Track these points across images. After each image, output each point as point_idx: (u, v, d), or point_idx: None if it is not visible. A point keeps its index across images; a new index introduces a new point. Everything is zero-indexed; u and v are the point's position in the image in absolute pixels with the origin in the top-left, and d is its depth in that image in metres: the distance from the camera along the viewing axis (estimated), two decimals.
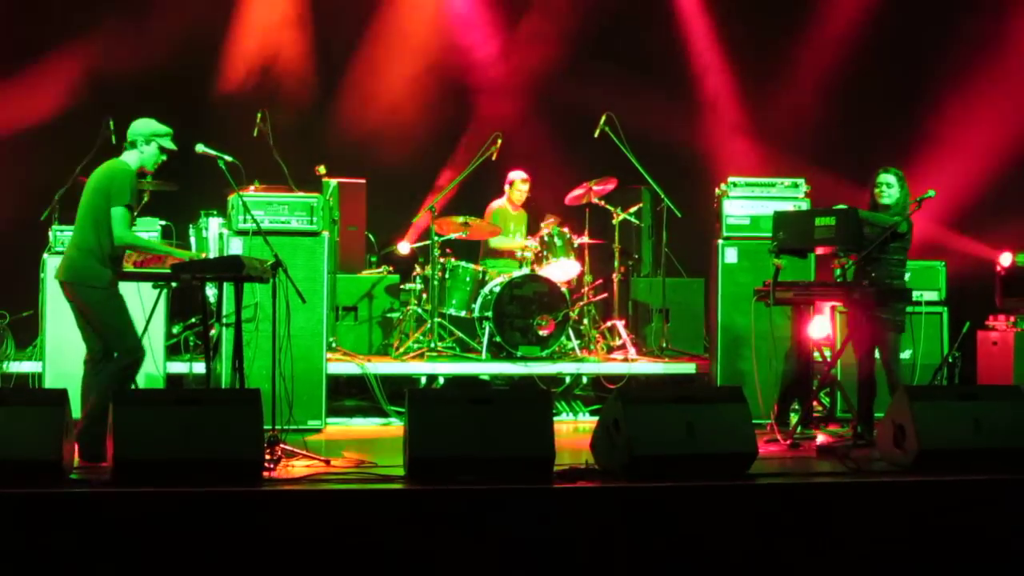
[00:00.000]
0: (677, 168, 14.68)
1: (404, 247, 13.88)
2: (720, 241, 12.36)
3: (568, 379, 13.18)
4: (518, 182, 14.06)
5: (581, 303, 13.42)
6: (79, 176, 9.91)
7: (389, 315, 13.66)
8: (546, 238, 13.38)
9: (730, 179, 12.43)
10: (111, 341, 9.30)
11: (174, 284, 10.37)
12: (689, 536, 8.10)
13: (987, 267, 13.27)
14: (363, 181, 14.60)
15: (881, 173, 10.86)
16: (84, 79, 13.91)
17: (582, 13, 15.72)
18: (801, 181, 12.45)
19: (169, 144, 9.43)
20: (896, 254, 10.75)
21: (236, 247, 11.15)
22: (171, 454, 8.16)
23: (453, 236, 13.39)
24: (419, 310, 13.25)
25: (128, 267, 9.49)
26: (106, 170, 9.33)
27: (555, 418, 9.08)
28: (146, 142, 9.36)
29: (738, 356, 12.12)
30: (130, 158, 9.38)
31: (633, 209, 13.96)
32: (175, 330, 12.36)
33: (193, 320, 12.48)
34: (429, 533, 7.89)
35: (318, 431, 11.18)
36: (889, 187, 10.81)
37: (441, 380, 12.75)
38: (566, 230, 13.49)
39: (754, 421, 9.20)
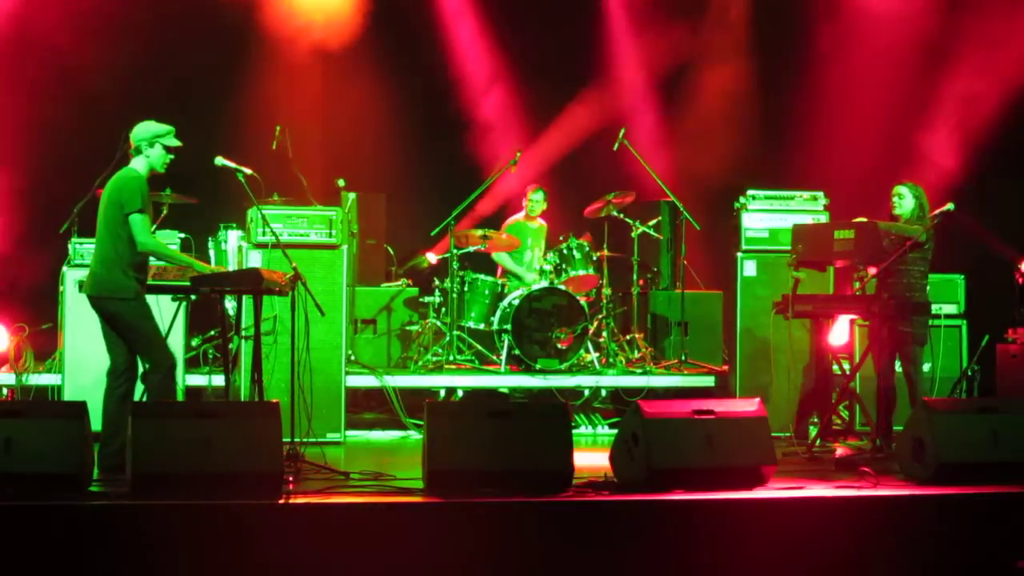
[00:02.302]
0: (696, 181, 14.69)
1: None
2: (739, 254, 12.35)
3: (587, 392, 13.17)
4: (531, 193, 14.09)
5: (600, 316, 13.41)
6: (97, 189, 9.93)
7: (408, 328, 13.67)
8: (565, 251, 13.38)
9: (749, 192, 12.42)
10: (142, 351, 9.34)
11: (193, 297, 10.40)
12: (708, 548, 8.09)
13: (1006, 277, 13.24)
14: (382, 195, 14.66)
15: (896, 186, 10.93)
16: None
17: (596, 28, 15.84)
18: (820, 194, 12.44)
19: (173, 142, 9.41)
20: (917, 265, 10.74)
21: (255, 260, 11.18)
22: (190, 467, 8.17)
23: (472, 249, 13.42)
24: (438, 323, 13.26)
25: (148, 279, 9.52)
26: (115, 181, 9.36)
27: (574, 431, 9.07)
28: (150, 145, 9.36)
29: (757, 369, 12.11)
30: (138, 164, 9.39)
31: (652, 222, 13.95)
32: (194, 343, 12.38)
33: (212, 333, 12.49)
34: (448, 546, 7.89)
35: (337, 444, 11.20)
36: (901, 198, 10.90)
37: (460, 393, 12.75)
38: (585, 243, 13.49)
39: (773, 433, 9.18)
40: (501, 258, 14.04)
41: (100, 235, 9.35)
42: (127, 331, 9.32)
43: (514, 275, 13.95)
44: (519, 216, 14.19)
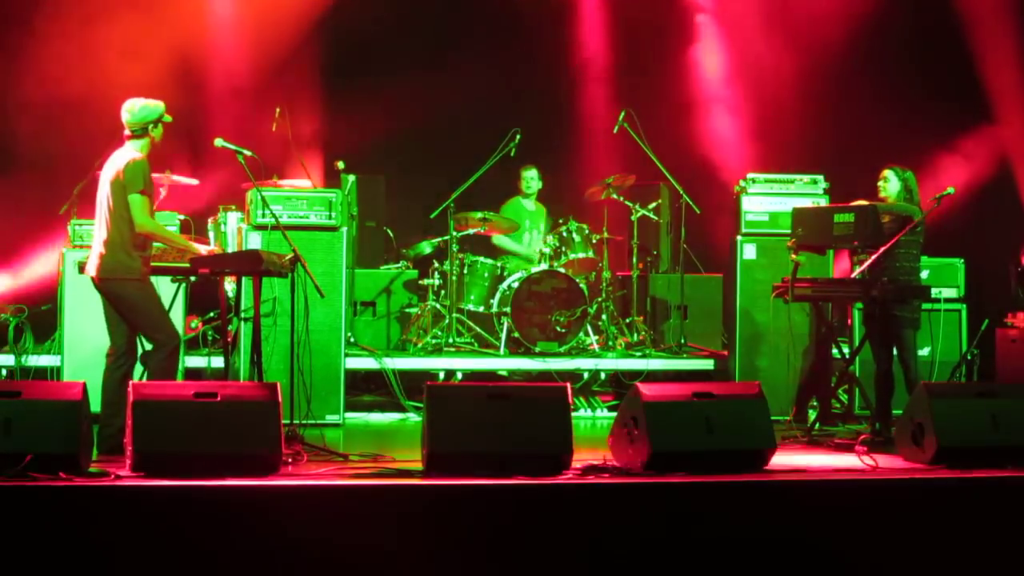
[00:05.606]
0: (696, 164, 14.68)
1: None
2: (739, 237, 12.36)
3: (586, 375, 13.18)
4: (523, 172, 14.08)
5: (599, 299, 13.40)
6: (96, 169, 9.90)
7: (407, 310, 13.67)
8: (565, 234, 13.38)
9: (749, 175, 12.43)
10: (148, 332, 9.33)
11: (193, 278, 10.40)
12: (707, 532, 8.09)
13: (1006, 261, 13.26)
14: (381, 177, 14.64)
15: (884, 169, 10.93)
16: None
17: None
18: (820, 177, 12.44)
19: (167, 117, 9.37)
20: (911, 248, 10.74)
21: (255, 242, 11.18)
22: (189, 448, 8.17)
23: (471, 232, 13.41)
24: (437, 305, 13.25)
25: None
26: (117, 162, 9.32)
27: (573, 414, 9.06)
28: (155, 126, 9.28)
29: (756, 352, 12.12)
30: (138, 146, 9.33)
31: (652, 205, 13.94)
32: (193, 324, 12.37)
33: (211, 314, 12.49)
34: (447, 528, 7.89)
35: (336, 426, 11.20)
36: (886, 181, 10.91)
37: (459, 375, 12.75)
38: (584, 225, 13.48)
39: (772, 417, 9.17)
40: (501, 241, 14.02)
41: (102, 217, 9.31)
42: (132, 312, 9.30)
43: (514, 254, 13.95)
44: (517, 198, 14.19)
